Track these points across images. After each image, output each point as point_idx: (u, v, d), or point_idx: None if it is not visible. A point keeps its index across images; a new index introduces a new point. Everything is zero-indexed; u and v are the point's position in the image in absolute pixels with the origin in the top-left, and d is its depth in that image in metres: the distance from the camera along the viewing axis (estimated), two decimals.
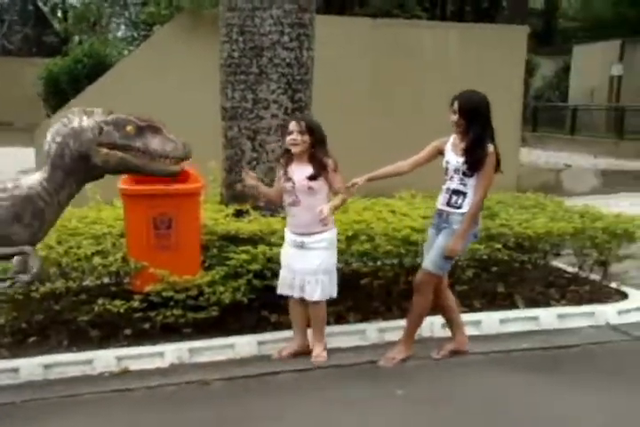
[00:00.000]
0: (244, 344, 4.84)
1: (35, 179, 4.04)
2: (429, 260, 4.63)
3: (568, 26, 32.22)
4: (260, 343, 4.86)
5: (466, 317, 5.30)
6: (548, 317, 5.43)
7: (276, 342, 4.87)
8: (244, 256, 4.91)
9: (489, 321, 5.33)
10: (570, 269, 6.30)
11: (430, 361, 4.79)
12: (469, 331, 5.18)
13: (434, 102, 10.68)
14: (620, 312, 5.55)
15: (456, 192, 4.56)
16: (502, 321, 5.35)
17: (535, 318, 5.41)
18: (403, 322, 5.19)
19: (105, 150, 4.00)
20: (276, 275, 4.87)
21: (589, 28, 29.31)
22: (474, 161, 4.49)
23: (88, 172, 4.09)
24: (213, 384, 4.44)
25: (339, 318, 5.18)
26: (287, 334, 4.90)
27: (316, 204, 4.55)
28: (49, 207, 4.04)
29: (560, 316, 5.46)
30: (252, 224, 5.21)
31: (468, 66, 10.82)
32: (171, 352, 4.72)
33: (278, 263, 4.87)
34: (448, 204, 4.59)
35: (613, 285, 6.08)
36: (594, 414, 4.07)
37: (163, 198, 4.74)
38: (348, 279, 5.30)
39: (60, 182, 4.03)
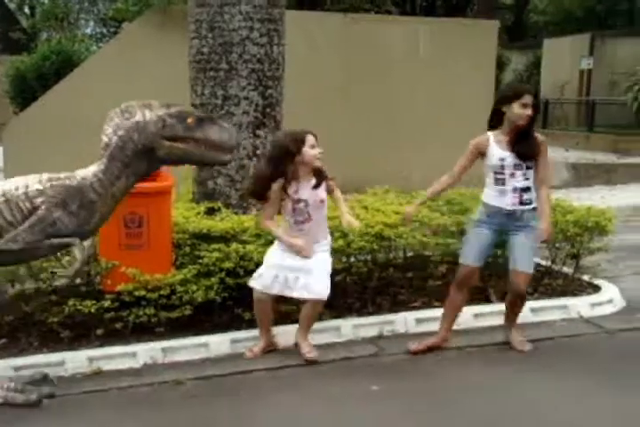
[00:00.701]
0: (217, 343, 4.80)
1: (90, 170, 4.07)
2: (526, 263, 4.66)
3: (538, 20, 32.38)
4: (234, 342, 4.83)
5: (440, 311, 5.30)
6: (522, 311, 5.44)
7: (250, 340, 4.84)
8: (216, 254, 4.87)
9: (463, 316, 5.31)
10: (543, 263, 6.31)
11: (405, 356, 4.79)
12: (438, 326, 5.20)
13: (406, 97, 10.71)
14: (592, 305, 5.59)
15: (525, 190, 4.58)
16: (476, 315, 5.36)
17: None
18: (376, 318, 5.20)
19: (168, 143, 4.04)
20: (248, 273, 4.84)
21: (559, 21, 29.49)
22: (534, 151, 4.54)
23: (149, 164, 4.13)
24: (187, 384, 4.40)
25: None
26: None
27: (323, 215, 4.70)
28: (101, 199, 4.07)
29: (533, 309, 5.48)
30: (223, 222, 5.17)
31: (439, 61, 10.85)
32: (144, 352, 4.67)
33: (251, 261, 4.84)
34: (521, 203, 4.59)
35: (586, 277, 6.11)
36: (566, 406, 4.09)
37: (133, 197, 4.66)
38: None
39: (116, 174, 4.05)
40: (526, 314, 5.42)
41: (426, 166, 10.53)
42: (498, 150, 4.56)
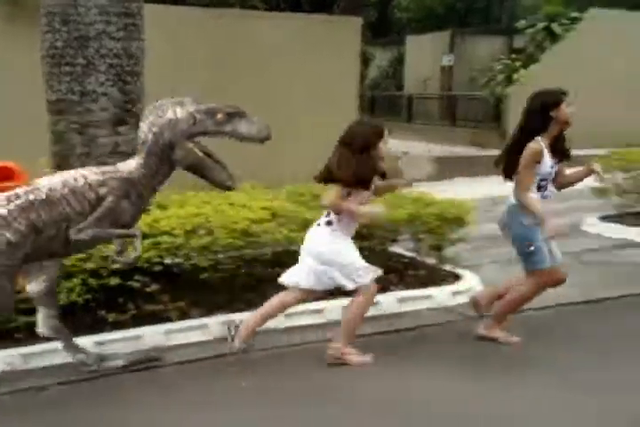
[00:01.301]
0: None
1: (131, 165, 4.29)
2: None
3: (402, 17, 33.14)
4: (98, 344, 4.70)
5: (312, 305, 5.34)
6: (388, 301, 5.57)
7: (115, 341, 4.72)
8: (77, 255, 4.72)
9: (331, 309, 5.39)
10: (408, 254, 6.47)
11: (274, 351, 4.81)
12: (310, 320, 5.25)
13: (271, 94, 10.71)
14: (454, 294, 5.78)
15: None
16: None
17: (377, 304, 5.49)
18: (246, 315, 5.18)
19: (190, 146, 4.24)
20: (111, 273, 4.74)
21: (421, 18, 30.32)
22: None
23: (171, 162, 4.30)
24: (49, 390, 4.25)
25: (181, 314, 5.09)
26: (126, 333, 4.77)
27: None
28: (146, 191, 4.32)
29: (399, 300, 5.62)
30: None
31: (304, 57, 10.91)
32: (1, 359, 4.47)
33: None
34: None
35: (448, 267, 6.30)
36: (430, 393, 4.21)
37: None
38: (188, 274, 5.23)
39: (155, 169, 4.28)
40: (392, 304, 5.56)
41: (282, 163, 10.59)
42: (548, 157, 4.63)
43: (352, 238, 4.66)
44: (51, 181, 4.19)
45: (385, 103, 23.46)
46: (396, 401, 4.11)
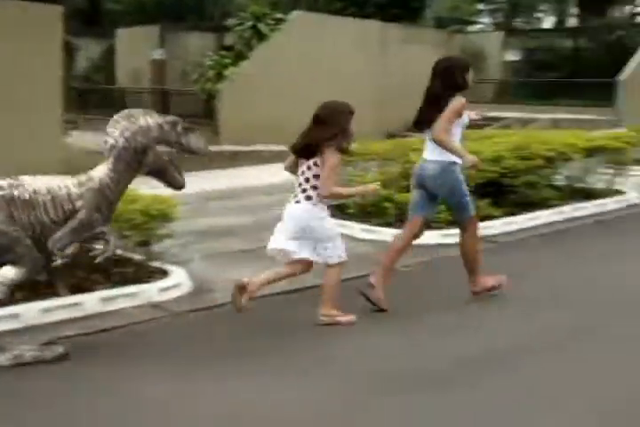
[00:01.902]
0: None
1: (101, 171, 4.64)
2: None
3: (114, 8, 32.35)
4: None
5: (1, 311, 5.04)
6: (91, 301, 5.40)
7: None
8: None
9: (30, 312, 5.12)
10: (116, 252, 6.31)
11: None
12: (8, 325, 4.94)
13: None
14: (160, 290, 5.74)
15: None
16: (45, 311, 5.19)
17: (79, 304, 5.34)
18: None
19: (159, 150, 4.73)
20: None
21: (133, 11, 29.88)
22: None
23: (139, 165, 4.70)
24: None
25: None
26: None
27: None
28: (114, 195, 4.68)
29: (104, 299, 5.47)
30: None
31: None
32: None
33: None
34: None
35: (156, 264, 6.23)
36: (151, 393, 4.15)
37: None
38: None
39: (122, 172, 4.63)
40: (97, 305, 5.42)
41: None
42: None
43: None
44: (36, 183, 4.47)
45: (97, 97, 22.84)
46: (95, 402, 4.02)
